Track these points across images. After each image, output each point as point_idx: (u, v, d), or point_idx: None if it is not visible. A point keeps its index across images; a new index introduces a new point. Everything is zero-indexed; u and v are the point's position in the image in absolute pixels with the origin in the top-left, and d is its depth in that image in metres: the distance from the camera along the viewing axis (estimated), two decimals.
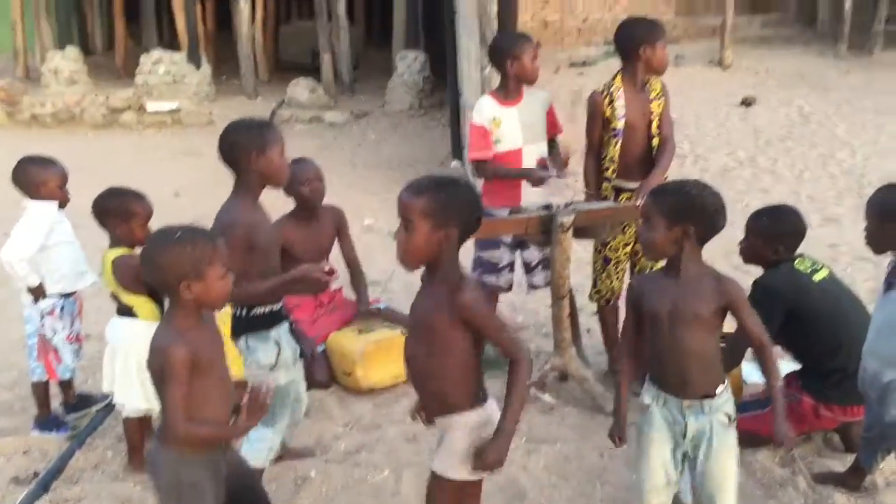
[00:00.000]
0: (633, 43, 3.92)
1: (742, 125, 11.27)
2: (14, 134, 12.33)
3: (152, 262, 2.32)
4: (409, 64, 14.10)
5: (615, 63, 4.20)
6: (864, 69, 14.06)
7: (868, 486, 3.22)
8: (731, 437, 2.58)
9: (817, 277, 3.45)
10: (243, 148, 2.99)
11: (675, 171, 9.29)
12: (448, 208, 2.26)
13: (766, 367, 2.59)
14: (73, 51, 13.78)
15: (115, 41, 16.60)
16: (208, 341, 2.38)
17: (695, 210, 2.47)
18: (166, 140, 12.13)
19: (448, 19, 9.88)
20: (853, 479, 3.24)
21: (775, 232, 3.49)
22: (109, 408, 4.02)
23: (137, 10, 16.45)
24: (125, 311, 3.50)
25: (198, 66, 13.85)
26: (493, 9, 7.41)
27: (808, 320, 3.36)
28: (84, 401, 4.06)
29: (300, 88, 13.87)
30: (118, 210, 3.53)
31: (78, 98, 12.90)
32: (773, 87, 13.17)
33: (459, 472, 2.35)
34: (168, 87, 13.20)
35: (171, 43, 15.79)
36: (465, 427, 2.34)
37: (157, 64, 13.25)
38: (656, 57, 3.92)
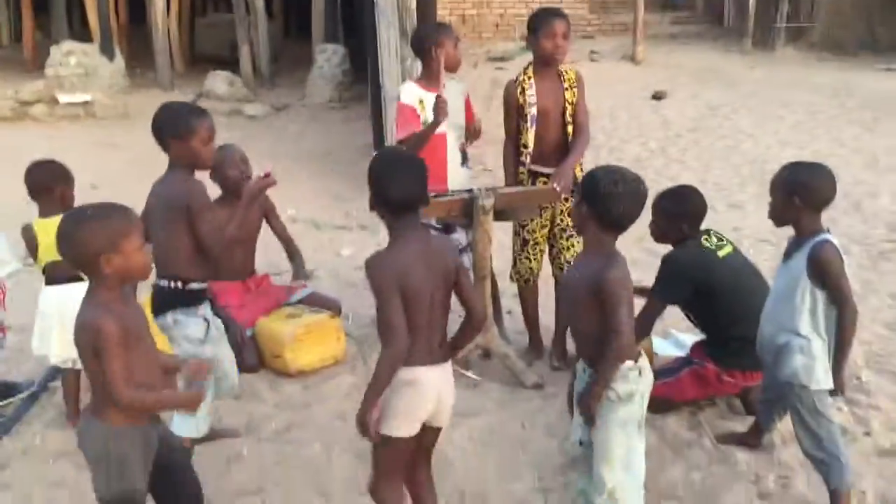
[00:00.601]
0: (530, 31, 4.13)
1: (654, 117, 11.69)
2: None
3: (70, 239, 2.36)
4: (328, 57, 14.10)
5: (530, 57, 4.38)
6: (768, 64, 14.72)
7: (767, 444, 3.50)
8: (615, 412, 2.66)
9: (722, 253, 3.71)
10: (169, 130, 3.08)
11: (591, 160, 9.65)
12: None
13: (605, 359, 2.60)
14: None
15: (22, 34, 16.08)
16: (133, 314, 2.45)
17: (590, 192, 2.64)
18: (80, 132, 11.84)
19: (367, 13, 9.96)
20: (753, 438, 3.51)
21: (677, 211, 3.73)
22: (34, 396, 4.02)
23: (45, 2, 15.98)
24: (72, 278, 3.47)
25: (111, 58, 13.56)
26: (413, 2, 7.53)
27: (712, 293, 3.61)
28: (9, 389, 4.03)
29: (218, 81, 13.71)
30: (53, 178, 3.57)
31: None
32: (684, 82, 13.67)
33: None
34: (80, 79, 12.87)
35: (81, 35, 15.37)
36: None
37: (69, 56, 12.90)
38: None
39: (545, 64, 4.24)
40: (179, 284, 3.13)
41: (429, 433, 2.65)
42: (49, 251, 3.46)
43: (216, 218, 3.18)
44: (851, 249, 6.11)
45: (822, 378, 2.95)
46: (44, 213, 3.65)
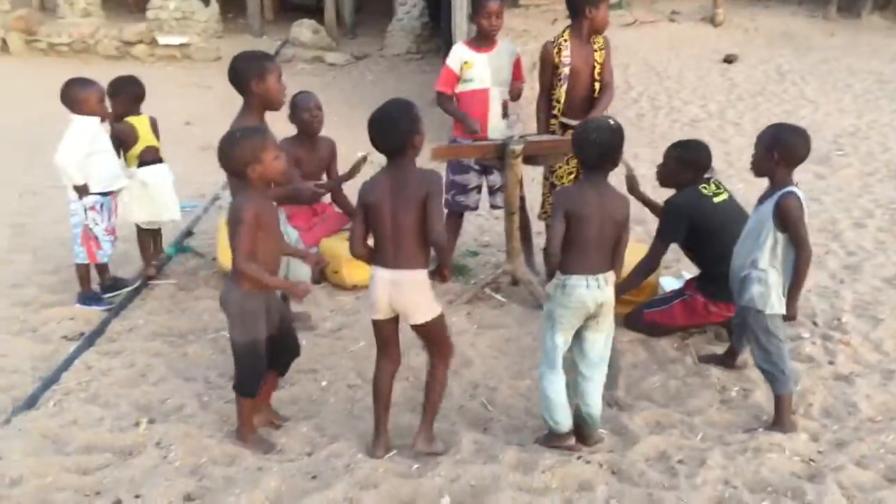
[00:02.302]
0: (580, 3, 4.67)
1: (720, 80, 11.91)
2: (32, 62, 13.03)
3: (226, 154, 3.16)
4: (408, 10, 14.68)
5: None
6: (850, 31, 14.58)
7: (740, 363, 4.08)
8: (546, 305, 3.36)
9: (717, 199, 4.26)
10: (246, 74, 3.79)
11: (650, 120, 10.09)
12: None
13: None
14: None
15: None
16: (269, 210, 3.27)
17: (575, 140, 3.31)
18: (176, 73, 12.80)
19: None
20: (729, 359, 4.11)
21: (685, 160, 4.29)
22: (137, 290, 4.89)
23: None
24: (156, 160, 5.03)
25: (206, 3, 14.44)
26: None
27: (703, 233, 4.18)
28: (117, 283, 4.90)
29: (303, 29, 14.46)
30: (142, 88, 5.03)
31: (92, 30, 13.53)
32: (759, 46, 13.75)
33: None
34: (178, 22, 13.83)
35: None
36: None
37: (168, 0, 13.84)
38: (599, 16, 4.67)
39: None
40: None
41: (417, 329, 3.31)
42: (144, 139, 4.92)
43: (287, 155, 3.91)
44: (875, 213, 6.52)
45: (775, 304, 3.51)
46: (129, 114, 4.93)
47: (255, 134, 3.23)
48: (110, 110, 4.82)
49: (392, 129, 3.13)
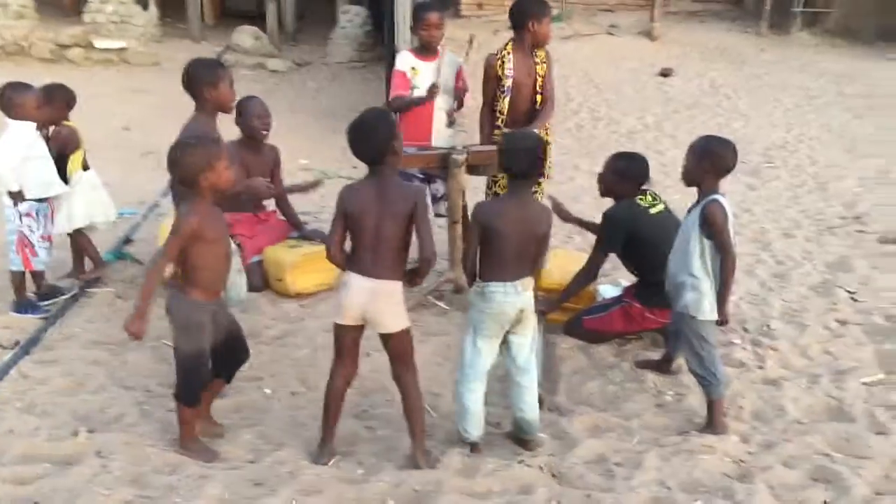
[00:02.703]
0: (523, 17, 4.78)
1: (656, 93, 12.25)
2: None
3: (177, 162, 3.16)
4: (350, 18, 14.69)
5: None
6: (780, 47, 15.12)
7: (675, 369, 4.22)
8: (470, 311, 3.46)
9: (653, 210, 4.40)
10: (200, 80, 3.82)
11: (590, 131, 10.30)
12: None
13: None
14: None
15: None
16: (217, 219, 3.27)
17: (502, 151, 3.43)
18: (114, 78, 12.57)
19: None
20: (665, 365, 4.24)
21: (624, 172, 4.43)
22: (75, 297, 4.81)
23: None
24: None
25: (145, 7, 14.22)
26: None
27: (640, 243, 4.32)
28: (54, 291, 4.82)
29: (245, 35, 14.35)
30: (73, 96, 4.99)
31: (26, 32, 13.20)
32: (694, 60, 14.16)
33: None
34: (115, 26, 13.58)
35: None
36: None
37: (105, 3, 13.60)
38: (541, 30, 4.78)
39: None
40: None
41: (384, 339, 3.35)
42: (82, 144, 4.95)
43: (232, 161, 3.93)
44: (802, 223, 6.78)
45: (707, 310, 3.64)
46: (61, 120, 4.88)
47: (208, 142, 3.25)
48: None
49: (371, 136, 3.18)
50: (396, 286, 3.27)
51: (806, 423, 3.76)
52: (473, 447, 3.48)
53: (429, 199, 5.23)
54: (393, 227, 3.18)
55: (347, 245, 3.30)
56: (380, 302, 3.24)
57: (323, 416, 3.39)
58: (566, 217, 4.69)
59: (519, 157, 3.34)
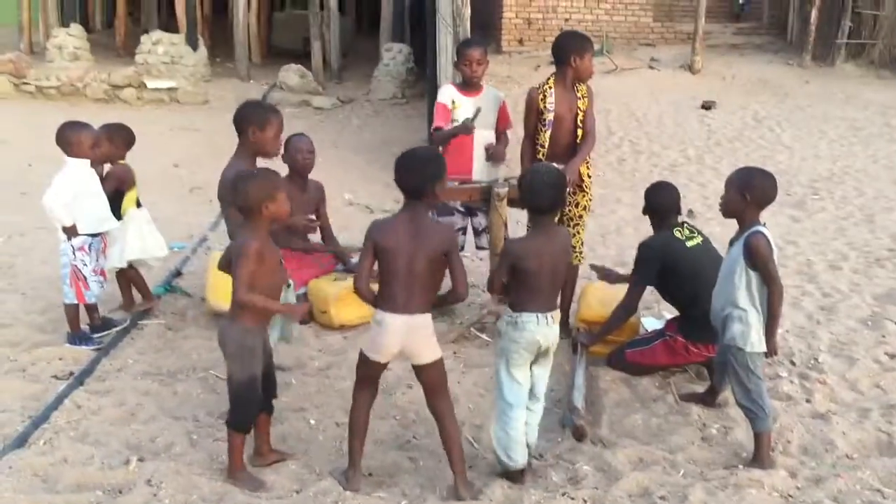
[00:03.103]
0: (565, 52, 4.84)
1: (698, 126, 12.19)
2: (20, 105, 13.12)
3: (241, 192, 3.32)
4: (393, 55, 14.93)
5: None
6: (824, 78, 14.96)
7: (721, 402, 4.18)
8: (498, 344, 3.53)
9: (690, 243, 4.39)
10: (247, 120, 3.94)
11: (632, 164, 10.30)
12: None
13: None
14: (77, 28, 14.53)
15: (114, 20, 17.34)
16: (272, 248, 3.39)
17: (526, 186, 3.48)
18: (164, 116, 12.92)
19: (429, 16, 10.77)
20: (710, 397, 4.20)
21: (648, 203, 4.47)
22: (126, 330, 4.93)
23: None
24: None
25: (195, 48, 14.61)
26: (467, 10, 8.27)
27: (675, 276, 4.33)
28: (106, 323, 4.94)
29: (290, 73, 14.67)
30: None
31: (81, 73, 13.66)
32: (736, 93, 14.07)
33: None
34: (166, 66, 13.98)
35: (168, 25, 16.52)
36: None
37: (157, 44, 14.03)
38: (583, 65, 4.84)
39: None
40: None
41: (419, 370, 3.40)
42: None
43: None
44: (849, 255, 6.69)
45: (755, 342, 3.62)
46: (118, 159, 5.10)
47: (270, 173, 3.42)
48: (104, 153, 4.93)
49: (420, 169, 3.27)
50: (427, 318, 3.32)
51: (856, 458, 3.70)
52: (516, 477, 3.48)
53: (471, 232, 5.33)
54: (426, 264, 3.22)
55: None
56: (416, 336, 3.28)
57: (350, 442, 3.45)
58: (613, 278, 4.80)
59: (542, 194, 3.40)
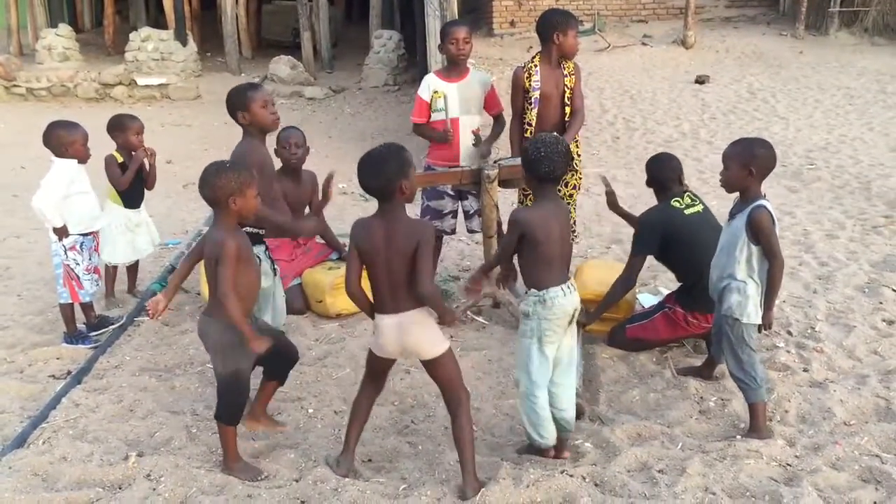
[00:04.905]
0: (548, 30, 4.81)
1: (693, 101, 12.13)
2: (11, 107, 13.10)
3: (210, 183, 3.23)
4: (384, 43, 14.89)
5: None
6: (818, 48, 14.86)
7: (718, 375, 4.17)
8: (521, 326, 3.45)
9: (689, 211, 4.36)
10: (233, 108, 3.92)
11: (626, 141, 10.27)
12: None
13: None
14: (65, 28, 14.49)
15: (102, 19, 17.28)
16: (247, 242, 3.35)
17: (529, 157, 3.41)
18: (156, 113, 12.89)
19: (418, 1, 10.72)
20: (707, 370, 4.20)
21: (655, 175, 4.44)
22: (123, 327, 4.93)
23: None
24: None
25: (184, 43, 14.58)
26: None
27: (677, 245, 4.29)
28: (102, 321, 4.94)
29: (281, 65, 14.63)
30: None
31: (71, 73, 13.63)
32: (730, 66, 14.00)
33: None
34: (156, 63, 13.95)
35: (157, 21, 16.47)
36: None
37: (146, 41, 13.99)
38: (567, 42, 4.80)
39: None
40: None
41: (427, 366, 3.34)
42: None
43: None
44: (846, 224, 6.67)
45: (751, 314, 3.60)
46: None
47: (241, 168, 3.30)
48: (116, 144, 5.23)
49: (380, 170, 3.11)
50: (421, 314, 3.22)
51: (854, 425, 3.70)
52: (546, 452, 3.49)
53: (461, 216, 5.31)
54: (402, 265, 3.14)
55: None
56: (412, 333, 3.22)
57: (348, 429, 3.45)
58: (614, 203, 4.66)
59: (549, 160, 3.33)
